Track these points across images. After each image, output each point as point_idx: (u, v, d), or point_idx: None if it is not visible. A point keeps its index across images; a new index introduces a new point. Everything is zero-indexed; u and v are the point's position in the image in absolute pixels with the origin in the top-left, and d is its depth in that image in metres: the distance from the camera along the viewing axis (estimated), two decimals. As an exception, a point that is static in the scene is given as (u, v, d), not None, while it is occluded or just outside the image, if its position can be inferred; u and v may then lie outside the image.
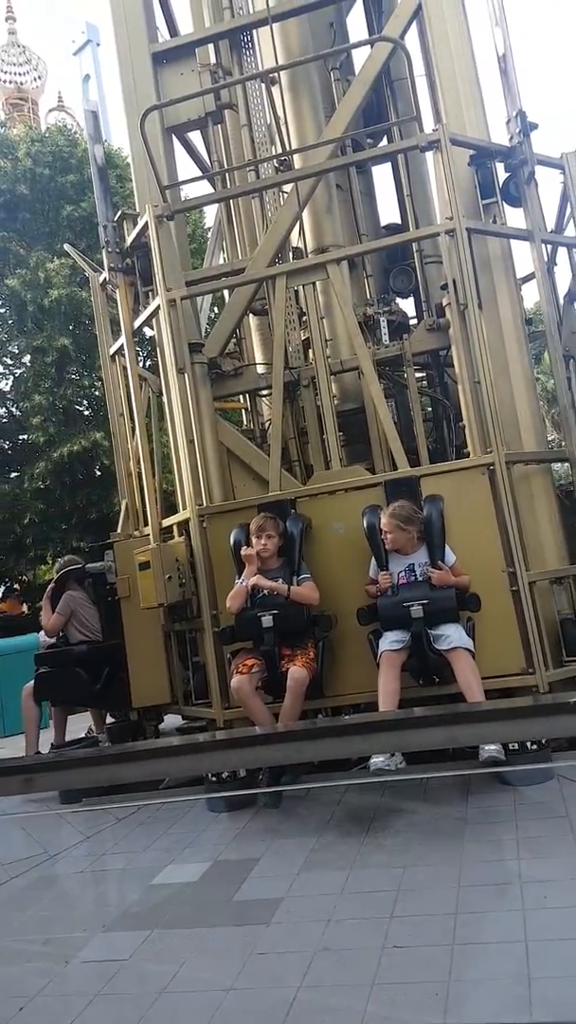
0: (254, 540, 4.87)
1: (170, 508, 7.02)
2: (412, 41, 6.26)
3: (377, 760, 4.12)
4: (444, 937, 2.86)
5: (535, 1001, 2.37)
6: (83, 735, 7.04)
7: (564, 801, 3.98)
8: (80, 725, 7.21)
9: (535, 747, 4.39)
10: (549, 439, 10.55)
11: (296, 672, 4.55)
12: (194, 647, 5.82)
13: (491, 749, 4.09)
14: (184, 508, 5.76)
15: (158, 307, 5.78)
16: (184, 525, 5.70)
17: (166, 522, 6.01)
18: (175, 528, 5.90)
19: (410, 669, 4.50)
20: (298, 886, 3.57)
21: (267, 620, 4.68)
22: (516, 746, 4.35)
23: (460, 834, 3.80)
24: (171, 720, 6.56)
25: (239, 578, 4.90)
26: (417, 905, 3.17)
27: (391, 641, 4.44)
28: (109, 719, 6.90)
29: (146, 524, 6.20)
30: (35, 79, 51.39)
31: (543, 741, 4.42)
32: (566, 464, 5.49)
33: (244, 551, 4.87)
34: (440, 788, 4.47)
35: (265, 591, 4.76)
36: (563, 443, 5.59)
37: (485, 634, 4.63)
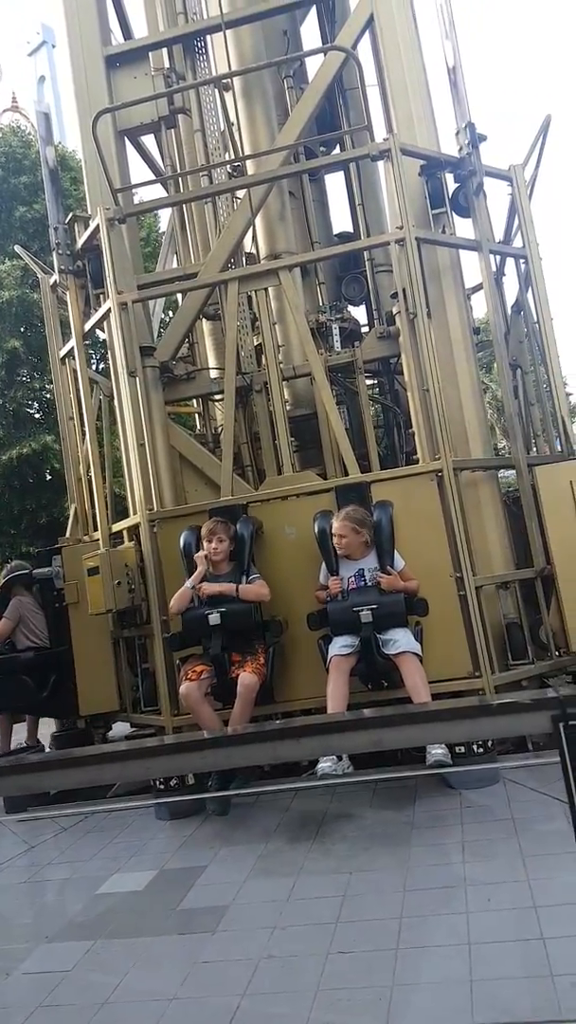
0: (205, 544, 4.84)
1: (121, 513, 6.95)
2: (365, 51, 6.33)
3: (324, 765, 4.13)
4: (389, 941, 2.87)
5: (477, 1003, 2.39)
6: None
7: (508, 804, 4.04)
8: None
9: (481, 750, 4.43)
10: (500, 447, 10.75)
11: (246, 678, 4.53)
12: (143, 654, 5.76)
13: (437, 753, 4.12)
14: (135, 513, 5.70)
15: (109, 310, 5.74)
16: (134, 530, 5.64)
17: (116, 527, 5.94)
18: (125, 533, 5.84)
19: (359, 674, 4.52)
20: (244, 894, 3.55)
21: (214, 618, 4.65)
22: (462, 749, 4.40)
23: (407, 838, 3.82)
24: (120, 728, 6.47)
25: (188, 580, 4.87)
26: (363, 910, 3.17)
27: (340, 646, 4.45)
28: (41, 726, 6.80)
29: (96, 529, 6.13)
30: (-12, 79, 50.69)
31: (489, 744, 4.47)
32: (513, 471, 5.57)
33: (197, 555, 4.84)
34: (387, 792, 4.49)
35: (214, 593, 4.74)
36: (510, 450, 5.68)
37: (433, 638, 4.67)
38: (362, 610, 4.43)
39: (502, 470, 5.72)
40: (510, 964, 2.60)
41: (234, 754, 1.48)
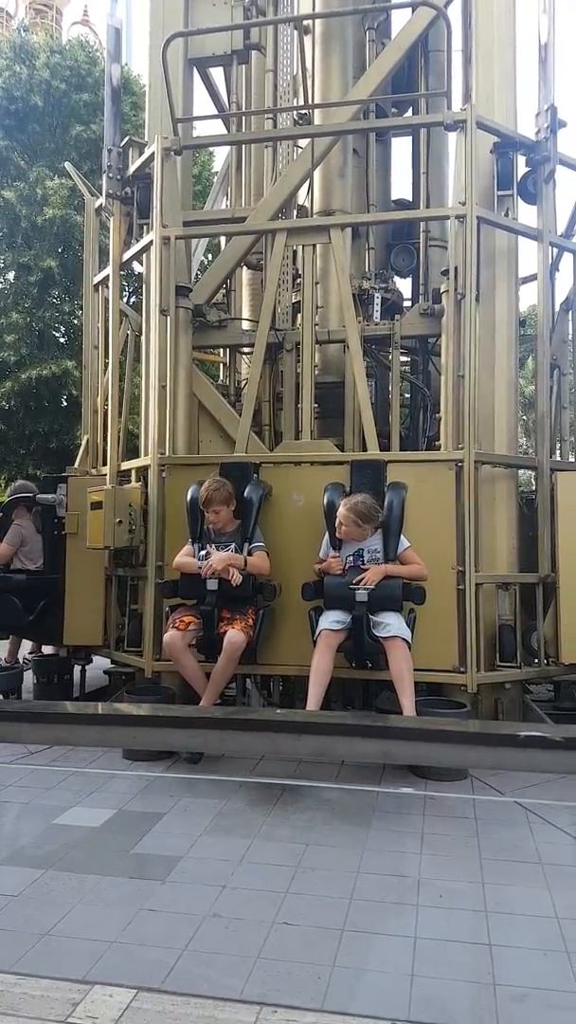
0: (204, 511, 4.78)
1: (132, 451, 6.87)
2: (454, 14, 6.04)
3: None
4: (335, 921, 2.86)
5: (415, 999, 2.37)
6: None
7: (474, 804, 4.01)
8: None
9: (455, 744, 4.40)
10: (519, 444, 10.56)
11: (233, 636, 4.50)
12: (134, 594, 5.73)
13: None
14: (146, 454, 5.63)
15: (151, 243, 5.59)
16: (143, 471, 5.57)
17: (125, 465, 5.88)
18: (133, 473, 5.77)
19: (345, 651, 4.47)
20: (199, 848, 3.54)
21: (212, 584, 4.60)
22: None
23: (367, 820, 3.80)
24: (100, 662, 6.48)
25: (191, 540, 4.81)
26: (313, 885, 3.16)
27: (332, 620, 4.40)
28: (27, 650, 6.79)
29: (105, 464, 6.06)
30: (63, -14, 49.36)
31: (464, 740, 4.44)
32: (532, 472, 5.47)
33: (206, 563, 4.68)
34: (354, 769, 4.48)
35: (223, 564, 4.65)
36: (533, 450, 5.56)
37: (424, 626, 4.62)
38: (358, 589, 4.37)
39: (521, 469, 5.60)
40: (454, 966, 2.58)
41: (228, 738, 1.41)
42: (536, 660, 5.22)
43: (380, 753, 1.46)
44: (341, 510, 4.52)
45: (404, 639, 4.32)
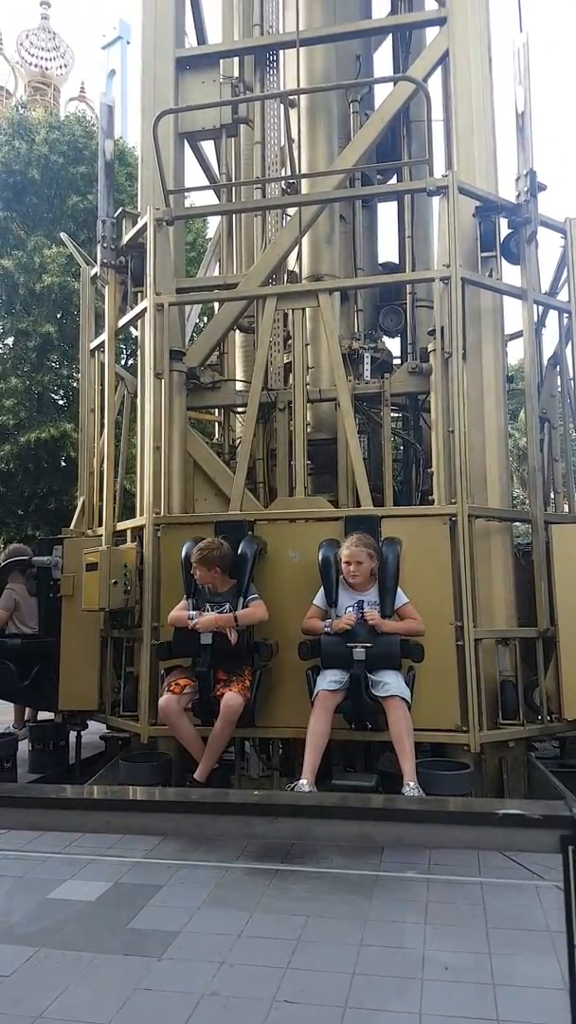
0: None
1: (129, 509, 6.89)
2: (435, 85, 6.30)
3: (303, 783, 4.06)
4: (338, 998, 2.76)
5: None
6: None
7: (479, 867, 3.91)
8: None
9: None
10: (515, 495, 10.64)
11: (231, 698, 4.44)
12: (130, 656, 5.68)
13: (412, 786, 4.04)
14: (141, 514, 5.64)
15: (144, 309, 5.70)
16: (138, 531, 5.58)
17: (121, 525, 5.88)
18: (129, 533, 5.78)
19: (344, 711, 4.40)
20: (196, 922, 3.44)
21: (206, 638, 4.56)
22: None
23: (370, 889, 3.69)
24: (96, 727, 6.38)
25: (187, 598, 4.78)
26: (315, 959, 3.05)
27: (329, 680, 4.34)
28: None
29: (100, 524, 6.07)
30: (61, 66, 51.55)
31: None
32: (527, 524, 5.47)
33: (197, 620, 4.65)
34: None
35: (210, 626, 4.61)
36: (527, 502, 5.58)
37: (424, 685, 4.56)
38: (356, 647, 4.33)
39: (517, 522, 5.61)
40: (460, 1043, 2.48)
41: (203, 822, 1.38)
42: (539, 717, 5.14)
43: (358, 835, 1.42)
44: (348, 551, 4.46)
45: (403, 699, 4.25)
